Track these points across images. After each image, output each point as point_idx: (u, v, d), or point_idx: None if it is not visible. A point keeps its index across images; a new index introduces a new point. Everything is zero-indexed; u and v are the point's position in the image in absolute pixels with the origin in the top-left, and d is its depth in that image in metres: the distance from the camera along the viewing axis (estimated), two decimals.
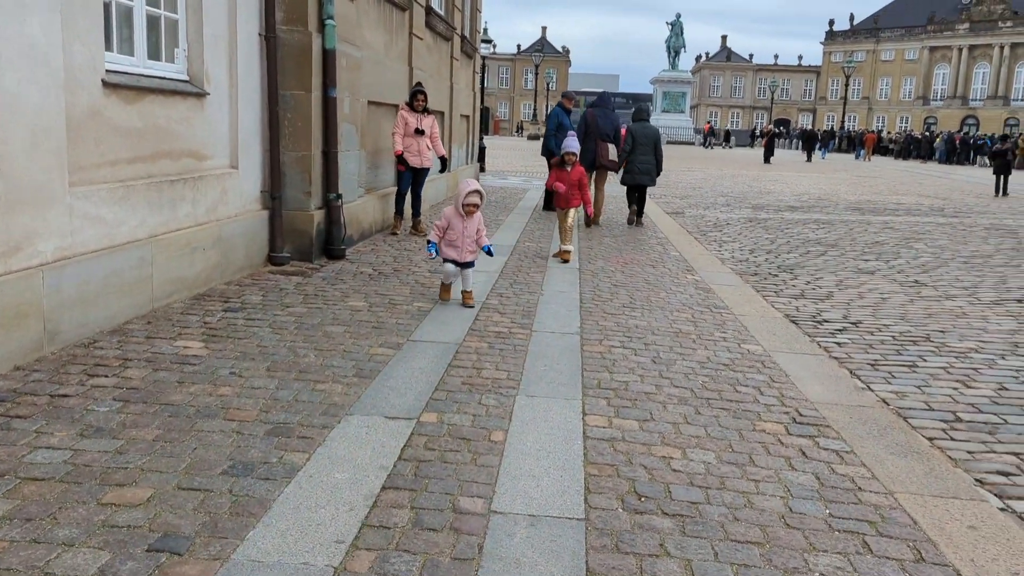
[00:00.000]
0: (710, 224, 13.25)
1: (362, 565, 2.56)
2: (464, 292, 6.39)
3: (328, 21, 7.57)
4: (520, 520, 2.91)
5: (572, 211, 8.69)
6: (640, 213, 12.42)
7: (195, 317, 5.47)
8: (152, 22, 5.81)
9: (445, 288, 6.49)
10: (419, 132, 9.35)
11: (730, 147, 60.78)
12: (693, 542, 2.84)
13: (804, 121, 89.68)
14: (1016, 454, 3.99)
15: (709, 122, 76.81)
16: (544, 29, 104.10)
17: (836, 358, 5.56)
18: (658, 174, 12.32)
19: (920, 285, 8.41)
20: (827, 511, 3.13)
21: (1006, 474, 3.75)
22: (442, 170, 10.13)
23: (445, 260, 6.33)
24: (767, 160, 38.23)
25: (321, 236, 7.81)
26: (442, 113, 14.02)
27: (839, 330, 6.38)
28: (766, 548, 2.82)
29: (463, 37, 15.89)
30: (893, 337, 6.22)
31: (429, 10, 12.36)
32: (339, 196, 7.92)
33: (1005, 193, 22.25)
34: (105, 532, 2.65)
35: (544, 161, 13.33)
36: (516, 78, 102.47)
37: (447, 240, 6.29)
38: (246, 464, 3.23)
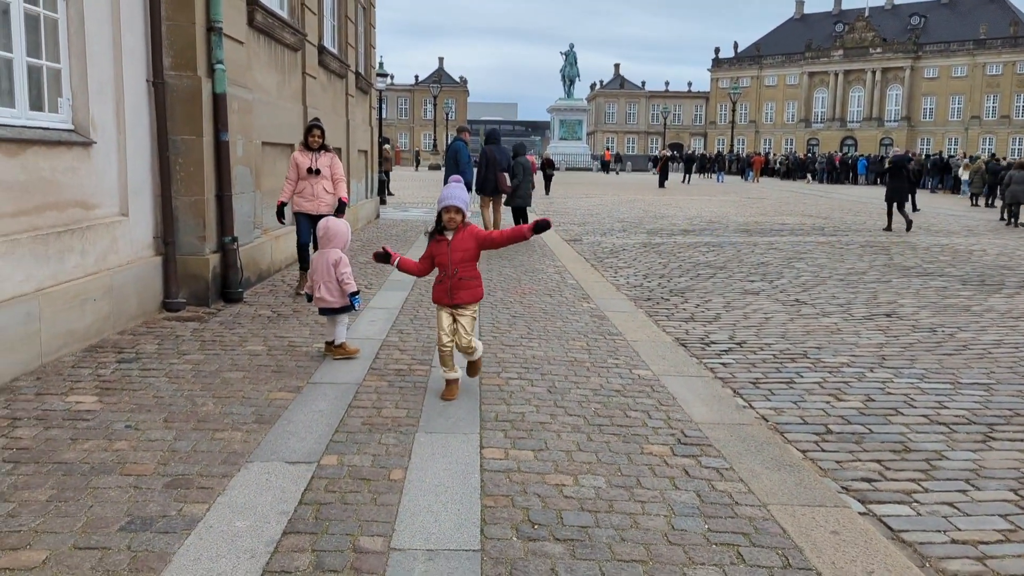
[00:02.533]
0: (607, 251, 13.69)
1: None
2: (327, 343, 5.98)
3: (217, 65, 7.59)
4: (419, 555, 3.03)
5: (465, 316, 5.00)
6: None
7: (87, 370, 5.37)
8: (33, 72, 5.73)
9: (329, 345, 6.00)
10: (313, 172, 8.15)
11: (616, 172, 62.66)
12: (582, 564, 3.02)
13: (696, 145, 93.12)
14: (879, 461, 4.36)
15: (608, 149, 78.98)
16: (441, 60, 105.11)
17: (721, 378, 5.90)
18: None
19: (800, 304, 8.95)
20: (706, 526, 3.38)
21: (869, 480, 4.10)
22: (337, 214, 8.21)
23: (320, 310, 5.96)
24: (662, 184, 39.54)
25: (217, 280, 7.75)
26: (339, 149, 14.06)
27: (725, 351, 6.75)
28: (649, 565, 3.03)
29: (358, 73, 16.00)
30: (774, 355, 6.62)
31: (322, 49, 12.44)
32: (235, 239, 7.89)
33: (908, 226, 17.60)
34: None
35: None
36: (415, 108, 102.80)
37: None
38: (144, 519, 3.25)
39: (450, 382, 5.01)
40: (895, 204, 17.87)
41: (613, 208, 24.27)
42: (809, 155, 62.24)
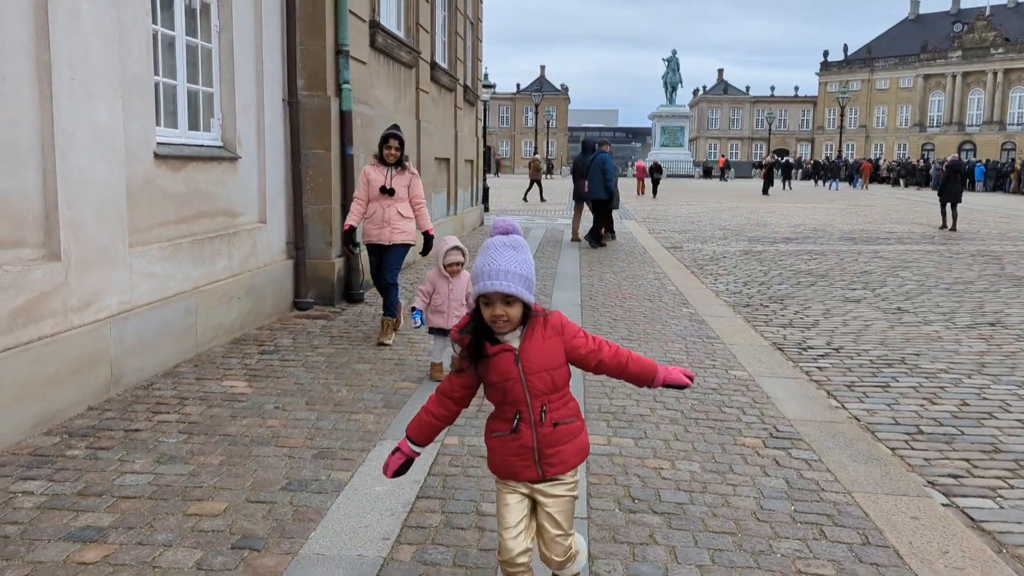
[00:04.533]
0: (707, 257, 13.87)
1: (406, 555, 3.14)
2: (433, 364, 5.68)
3: (344, 85, 8.30)
4: None
5: (560, 497, 2.62)
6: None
7: (235, 360, 6.08)
8: (191, 96, 6.51)
9: (435, 367, 5.70)
10: (387, 192, 6.62)
11: (726, 179, 61.99)
12: (677, 533, 3.41)
13: (803, 151, 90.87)
14: (967, 460, 4.55)
15: (723, 156, 78.72)
16: (543, 68, 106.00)
17: (816, 381, 6.13)
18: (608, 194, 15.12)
19: (902, 312, 8.98)
20: (792, 508, 3.70)
21: (955, 476, 4.32)
22: (424, 251, 6.81)
23: (431, 330, 5.69)
24: (765, 191, 38.99)
25: (341, 282, 8.45)
26: (447, 160, 14.76)
27: (821, 355, 6.95)
28: (738, 537, 3.39)
29: (465, 87, 16.70)
30: (871, 361, 6.78)
31: (434, 65, 13.14)
32: (358, 244, 8.57)
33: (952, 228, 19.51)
34: (195, 535, 3.24)
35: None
36: (516, 116, 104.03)
37: (432, 307, 5.62)
38: (300, 481, 3.82)
39: None
40: (949, 204, 19.91)
41: (714, 215, 24.23)
42: (922, 160, 59.93)
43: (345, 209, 8.49)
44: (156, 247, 5.62)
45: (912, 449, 4.71)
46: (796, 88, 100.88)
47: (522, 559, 2.52)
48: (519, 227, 2.55)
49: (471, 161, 18.05)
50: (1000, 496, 4.04)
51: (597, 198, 14.92)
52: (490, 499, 3.69)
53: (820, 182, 53.60)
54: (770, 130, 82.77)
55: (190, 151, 6.24)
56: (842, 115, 61.13)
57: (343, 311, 8.14)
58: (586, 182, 14.93)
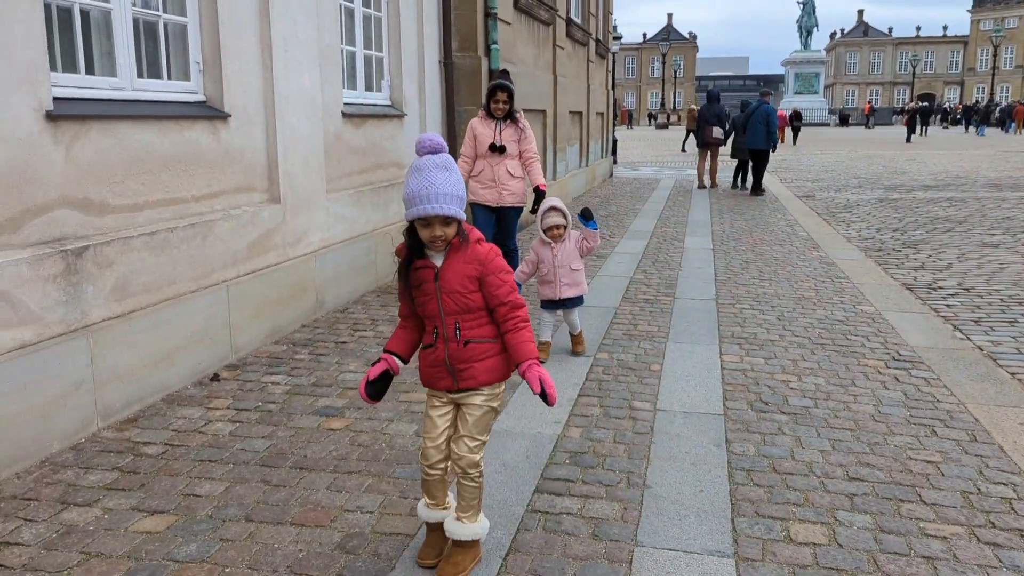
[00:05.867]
0: (840, 206, 13.92)
1: (574, 434, 3.91)
2: (572, 336, 5.24)
3: (493, 46, 9.02)
4: (677, 414, 4.18)
5: (475, 407, 2.72)
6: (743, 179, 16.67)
7: None
8: (367, 61, 7.39)
9: (543, 346, 5.09)
10: (496, 149, 6.20)
11: (870, 127, 59.44)
12: (802, 428, 4.02)
13: (951, 95, 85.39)
14: None
15: (869, 102, 75.44)
16: (670, 16, 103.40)
17: (943, 316, 6.47)
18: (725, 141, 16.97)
19: None
20: (908, 413, 4.23)
21: None
22: (534, 208, 5.98)
23: (542, 303, 5.20)
24: (909, 139, 37.43)
25: None
26: (579, 113, 15.32)
27: (951, 294, 7.23)
28: (856, 432, 3.97)
29: (597, 40, 17.13)
30: (1001, 299, 7.01)
31: (569, 21, 13.68)
32: None
33: None
34: (409, 415, 4.13)
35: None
36: (642, 67, 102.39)
37: (540, 278, 5.16)
38: None
39: (431, 527, 2.82)
40: None
41: (850, 164, 23.72)
42: None
43: None
44: (345, 193, 6.55)
45: None
46: (945, 28, 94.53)
47: (440, 465, 2.70)
48: (444, 144, 2.57)
49: (601, 114, 18.52)
50: None
51: (759, 148, 15.44)
52: (640, 398, 4.41)
53: (971, 127, 50.60)
54: (914, 73, 78.17)
55: (368, 110, 7.13)
56: (995, 55, 57.16)
57: None
58: (712, 128, 16.44)
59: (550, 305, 5.15)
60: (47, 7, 3.75)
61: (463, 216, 2.57)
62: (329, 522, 3.04)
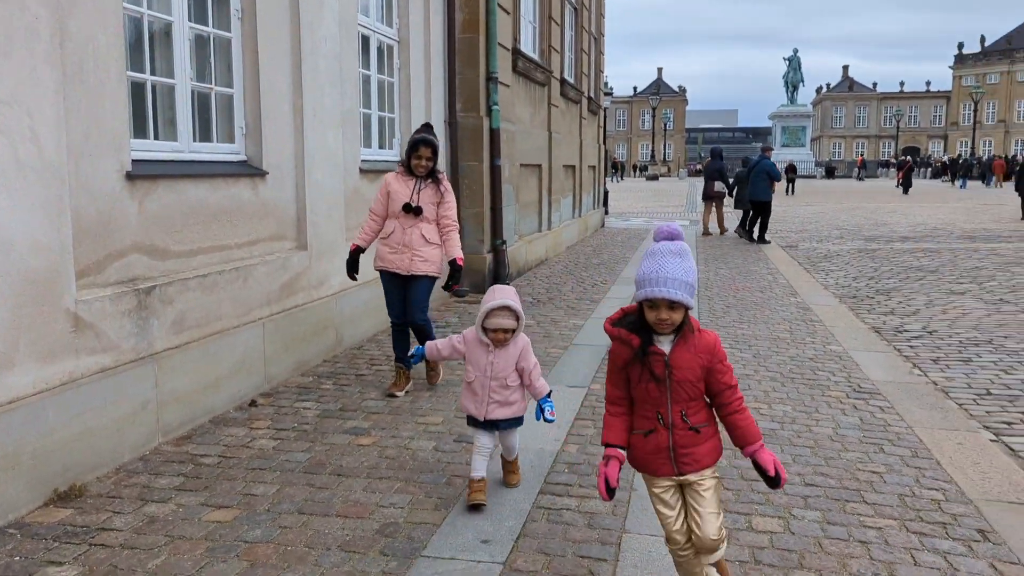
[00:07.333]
0: (820, 255, 14.66)
1: (572, 449, 4.52)
2: (506, 463, 4.05)
3: (494, 107, 9.80)
4: None
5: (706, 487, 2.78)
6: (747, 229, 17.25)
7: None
8: (380, 121, 8.13)
9: (475, 485, 3.75)
10: (411, 210, 5.42)
11: (861, 179, 60.99)
12: (769, 445, 4.53)
13: (935, 148, 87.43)
14: None
15: (861, 156, 77.51)
16: (660, 70, 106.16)
17: (905, 356, 7.12)
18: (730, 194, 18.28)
19: (1003, 303, 9.68)
20: (861, 435, 4.86)
21: (1009, 424, 5.31)
22: (448, 285, 5.63)
23: (469, 420, 3.93)
24: (906, 191, 38.90)
25: (490, 273, 9.95)
26: (572, 167, 16.14)
27: (915, 337, 7.89)
28: (815, 449, 4.59)
29: (589, 98, 18.05)
30: (960, 342, 7.67)
31: (563, 81, 14.56)
32: (504, 242, 10.07)
33: None
34: (426, 434, 4.74)
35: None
36: (633, 119, 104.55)
37: (464, 382, 3.92)
38: None
39: None
40: None
41: (833, 216, 24.61)
42: None
43: (495, 212, 9.99)
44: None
45: (977, 405, 5.70)
46: (928, 83, 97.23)
47: (688, 545, 2.74)
48: (682, 232, 2.67)
49: (593, 167, 19.38)
50: None
51: (759, 199, 16.62)
52: None
53: (954, 181, 51.94)
54: (898, 127, 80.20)
55: (381, 165, 7.84)
56: (975, 110, 58.95)
57: None
58: (714, 183, 18.02)
59: (479, 426, 3.84)
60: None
61: (692, 304, 2.60)
62: (368, 514, 3.64)
